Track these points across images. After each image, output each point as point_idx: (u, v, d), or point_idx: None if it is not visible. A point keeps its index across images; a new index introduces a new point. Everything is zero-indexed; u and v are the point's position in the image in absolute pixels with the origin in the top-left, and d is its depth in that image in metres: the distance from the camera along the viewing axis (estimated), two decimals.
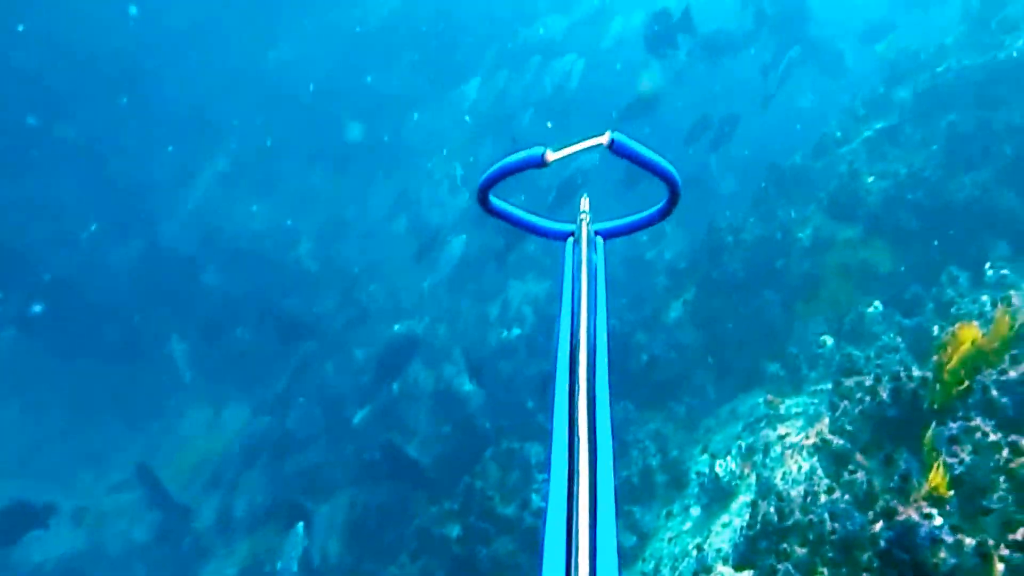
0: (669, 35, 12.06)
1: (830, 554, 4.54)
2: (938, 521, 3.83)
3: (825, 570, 4.63)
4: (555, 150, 1.96)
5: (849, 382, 5.65)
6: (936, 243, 7.29)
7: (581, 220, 2.20)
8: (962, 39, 10.29)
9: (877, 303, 6.89)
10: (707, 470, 6.74)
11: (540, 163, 1.96)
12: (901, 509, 4.17)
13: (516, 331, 12.51)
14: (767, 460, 6.36)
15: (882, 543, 4.16)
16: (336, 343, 13.35)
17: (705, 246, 8.75)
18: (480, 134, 16.54)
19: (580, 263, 1.91)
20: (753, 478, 6.33)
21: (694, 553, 5.87)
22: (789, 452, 6.25)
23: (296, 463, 11.00)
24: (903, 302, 6.86)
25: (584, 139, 1.96)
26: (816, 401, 6.62)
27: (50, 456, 12.03)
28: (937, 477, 3.99)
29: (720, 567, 5.48)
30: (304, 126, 16.79)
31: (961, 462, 4.00)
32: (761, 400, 7.23)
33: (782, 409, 6.93)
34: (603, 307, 1.72)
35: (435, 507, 8.73)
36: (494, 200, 2.23)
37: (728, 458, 6.80)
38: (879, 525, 4.27)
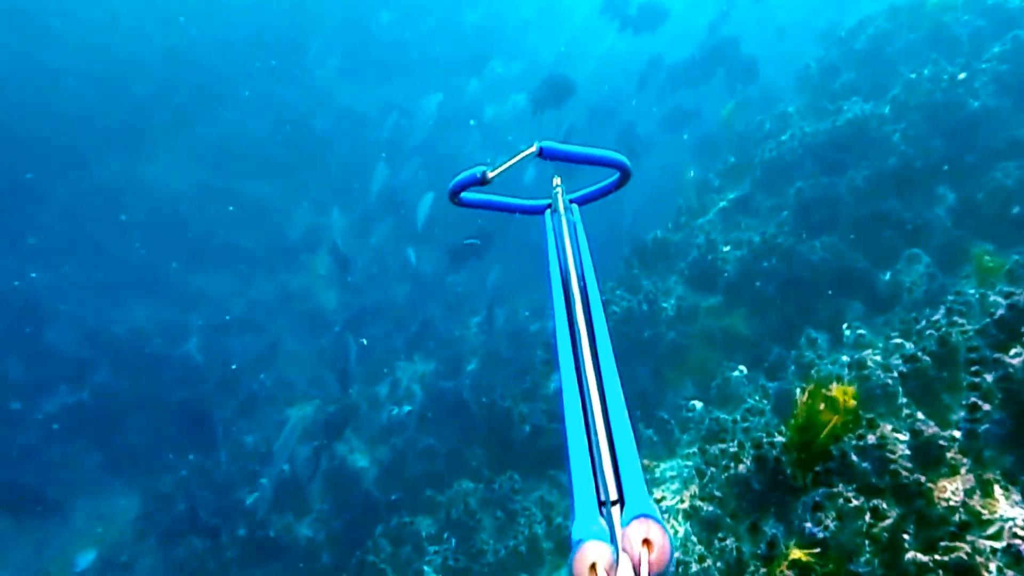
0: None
1: None
2: None
3: None
4: (492, 168, 2.07)
5: (714, 448, 5.54)
6: (793, 307, 7.35)
7: (556, 192, 2.28)
8: (803, 107, 10.55)
9: (741, 367, 6.89)
10: None
11: (482, 180, 2.09)
12: None
13: (407, 408, 12.02)
14: None
15: None
16: (225, 430, 12.65)
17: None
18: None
19: (561, 226, 1.99)
20: None
21: None
22: (665, 516, 6.03)
23: (188, 547, 10.23)
24: (766, 365, 6.85)
25: (516, 153, 2.05)
26: (690, 464, 6.49)
27: None
28: (796, 550, 3.83)
29: None
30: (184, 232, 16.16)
31: (826, 528, 3.85)
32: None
33: (657, 473, 6.74)
34: (588, 257, 1.81)
35: None
36: (465, 196, 2.29)
37: None
38: None
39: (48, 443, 12.40)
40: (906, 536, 3.65)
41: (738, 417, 6.15)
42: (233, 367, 14.12)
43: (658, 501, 6.38)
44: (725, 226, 9.04)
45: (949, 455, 3.76)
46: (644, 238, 9.82)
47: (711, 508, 5.20)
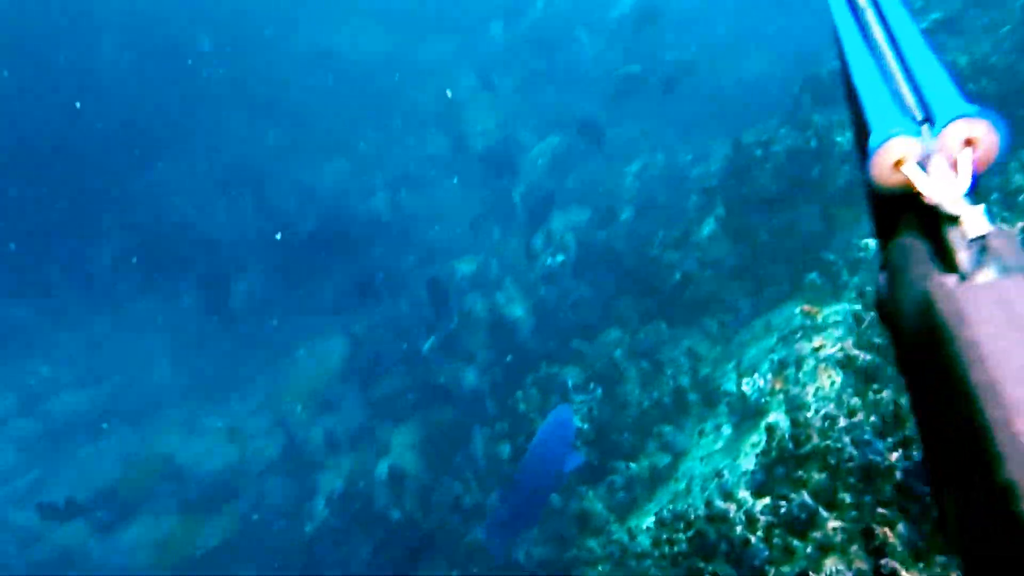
0: None
1: (852, 481, 3.79)
2: None
3: (847, 496, 3.89)
4: None
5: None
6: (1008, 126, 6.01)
7: None
8: None
9: None
10: (735, 388, 5.99)
11: None
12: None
13: (560, 258, 11.83)
14: (799, 375, 5.55)
15: (898, 475, 3.41)
16: (408, 281, 13.44)
17: (733, 163, 7.74)
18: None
19: None
20: (782, 395, 5.56)
21: (714, 480, 5.19)
22: (823, 366, 5.41)
23: (381, 389, 11.30)
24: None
25: None
26: (858, 307, 5.71)
27: (208, 386, 13.00)
28: None
29: (742, 492, 4.79)
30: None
31: None
32: (797, 310, 6.36)
33: (819, 319, 6.05)
34: None
35: (488, 429, 8.56)
36: None
37: (756, 375, 6.01)
38: (895, 455, 3.52)
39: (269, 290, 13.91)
40: None
41: None
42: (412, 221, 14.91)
43: (816, 350, 5.76)
44: None
45: None
46: (818, 71, 8.62)
47: (868, 358, 4.54)
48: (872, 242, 6.06)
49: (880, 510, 3.52)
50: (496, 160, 14.36)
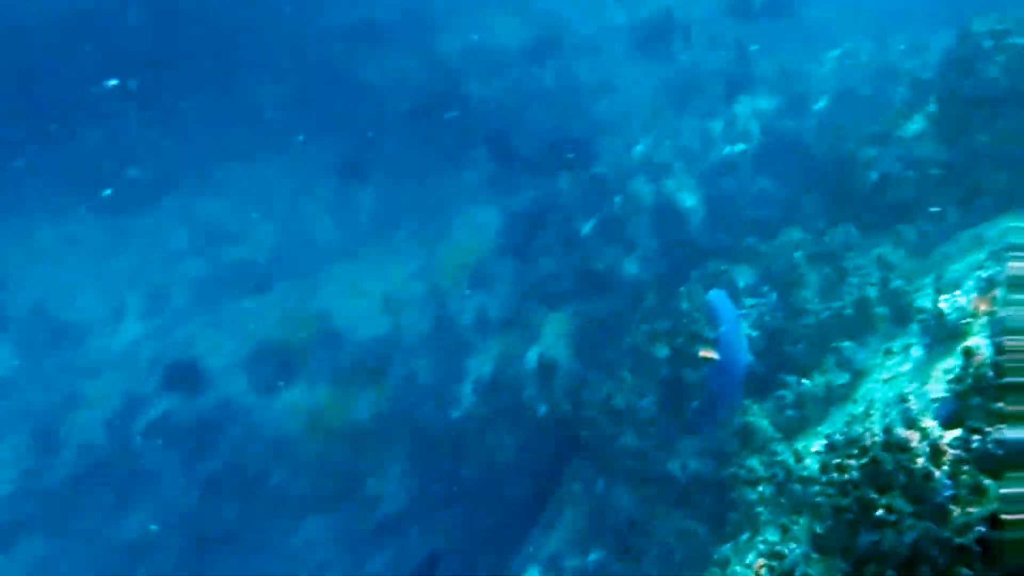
0: None
1: None
2: None
3: None
4: None
5: None
6: None
7: None
8: None
9: None
10: (931, 305, 5.47)
11: None
12: None
13: (740, 147, 11.07)
14: (1012, 297, 4.96)
15: None
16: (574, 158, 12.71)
17: (955, 54, 6.73)
18: None
19: None
20: (987, 318, 5.02)
21: (897, 405, 4.82)
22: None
23: (534, 270, 11.04)
24: None
25: None
26: None
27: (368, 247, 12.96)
28: None
29: (928, 421, 4.43)
30: None
31: None
32: (1018, 225, 5.64)
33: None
34: None
35: (647, 326, 8.27)
36: None
37: (958, 292, 5.45)
38: None
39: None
40: None
41: None
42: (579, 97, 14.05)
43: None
44: None
45: None
46: None
47: None
48: None
49: None
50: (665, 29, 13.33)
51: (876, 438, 4.41)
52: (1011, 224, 5.73)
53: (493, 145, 12.80)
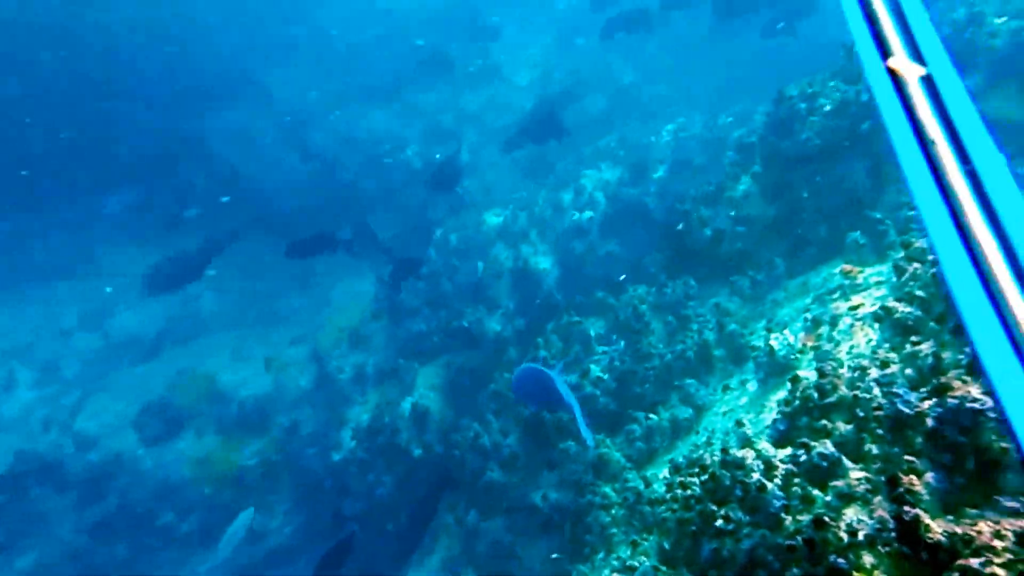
0: None
1: (879, 431, 3.66)
2: None
3: (874, 448, 3.75)
4: None
5: (920, 242, 4.57)
6: None
7: None
8: None
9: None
10: (763, 344, 5.84)
11: None
12: (957, 384, 3.27)
13: (588, 214, 11.67)
14: (834, 333, 5.39)
15: (930, 422, 3.28)
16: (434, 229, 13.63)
17: (774, 117, 7.47)
18: None
19: None
20: (812, 352, 5.41)
21: (735, 428, 5.07)
22: (859, 324, 5.25)
23: (406, 329, 11.56)
24: None
25: None
26: (900, 257, 5.49)
27: (253, 318, 13.80)
28: None
29: (763, 443, 4.67)
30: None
31: None
32: (837, 271, 6.17)
33: (860, 279, 5.86)
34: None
35: (508, 373, 8.47)
36: None
37: (786, 332, 5.86)
38: (928, 403, 3.38)
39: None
40: None
41: None
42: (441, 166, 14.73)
43: (854, 308, 5.58)
44: None
45: None
46: None
47: (908, 310, 4.36)
48: None
49: (909, 458, 3.40)
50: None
51: (714, 457, 4.60)
52: (832, 270, 6.25)
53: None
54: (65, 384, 13.02)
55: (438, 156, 14.75)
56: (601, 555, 5.43)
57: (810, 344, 5.61)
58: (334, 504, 9.42)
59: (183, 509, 10.37)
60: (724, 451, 4.47)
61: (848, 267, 6.11)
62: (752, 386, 5.90)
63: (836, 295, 5.94)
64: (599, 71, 14.95)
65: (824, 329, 5.53)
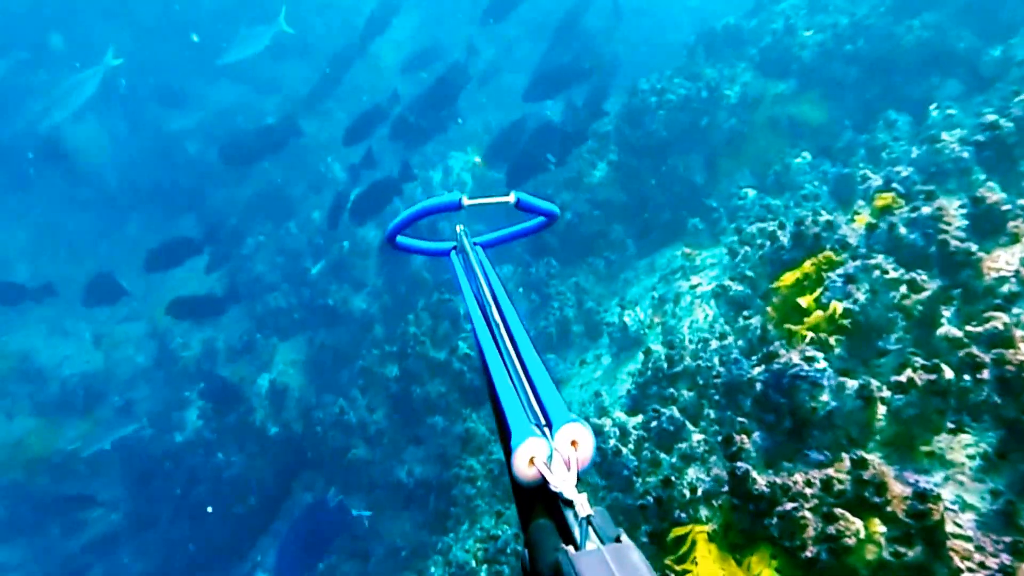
0: None
1: (716, 397, 4.13)
2: (821, 364, 3.37)
3: (711, 412, 4.24)
4: (470, 198, 2.28)
5: (751, 228, 5.12)
6: (877, 90, 6.38)
7: (461, 235, 2.49)
8: None
9: (806, 154, 6.24)
10: (617, 320, 6.30)
11: (457, 207, 2.27)
12: (782, 353, 3.75)
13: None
14: (677, 310, 5.91)
15: (758, 386, 3.75)
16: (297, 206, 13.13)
17: (627, 108, 7.96)
18: None
19: (470, 263, 2.27)
20: (659, 328, 5.91)
21: (594, 399, 5.48)
22: (698, 301, 5.79)
23: (264, 304, 11.01)
24: (834, 151, 6.19)
25: (495, 195, 2.30)
26: (734, 241, 6.09)
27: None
28: (813, 306, 3.52)
29: (617, 412, 5.09)
30: None
31: (855, 302, 3.51)
32: (679, 253, 6.72)
33: (698, 260, 6.44)
34: (500, 286, 2.03)
35: (377, 350, 8.61)
36: (399, 240, 2.50)
37: (637, 309, 6.35)
38: (758, 369, 3.86)
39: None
40: (945, 312, 3.29)
41: (791, 203, 5.67)
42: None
43: (694, 287, 6.13)
44: (811, 10, 7.98)
45: (1012, 224, 3.27)
46: (713, 25, 8.91)
47: (740, 288, 4.90)
48: (751, 191, 6.46)
49: (740, 420, 3.87)
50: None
51: None
52: (675, 252, 6.80)
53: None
54: None
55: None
56: (465, 526, 5.67)
57: (657, 320, 6.12)
58: (173, 488, 8.78)
59: None
60: (585, 419, 4.87)
61: (688, 249, 6.69)
62: (606, 360, 6.35)
63: (678, 275, 6.49)
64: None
65: (668, 306, 6.04)
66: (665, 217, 7.32)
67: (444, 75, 9.79)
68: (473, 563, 4.79)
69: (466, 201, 2.27)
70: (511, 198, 2.27)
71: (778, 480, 3.36)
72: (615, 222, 7.79)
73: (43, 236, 12.73)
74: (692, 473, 4.24)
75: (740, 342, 4.50)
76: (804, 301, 3.99)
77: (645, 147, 7.54)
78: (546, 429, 1.42)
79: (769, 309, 4.24)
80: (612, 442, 4.64)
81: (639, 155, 7.65)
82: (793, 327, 3.83)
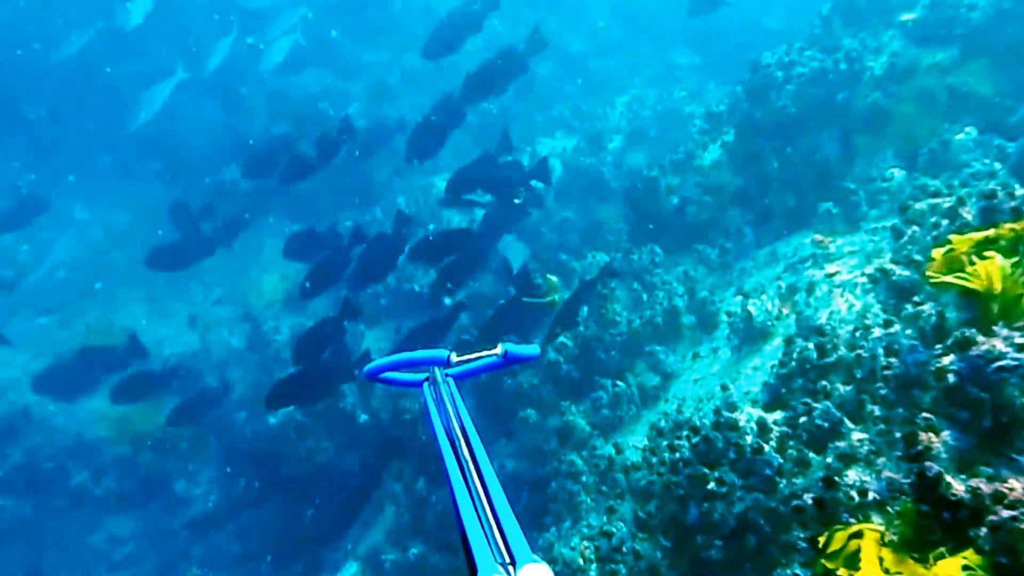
0: None
1: (883, 392, 3.63)
2: None
3: (875, 409, 3.74)
4: (459, 355, 2.46)
5: (921, 205, 4.59)
6: None
7: (449, 356, 2.51)
8: None
9: (969, 129, 5.64)
10: (739, 310, 5.82)
11: (445, 363, 2.45)
12: (981, 339, 3.24)
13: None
14: (811, 300, 5.40)
15: (951, 378, 3.24)
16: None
17: (748, 85, 7.46)
18: None
19: (441, 395, 2.31)
20: (792, 318, 5.42)
21: (719, 392, 5.02)
22: (838, 290, 5.27)
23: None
24: (1006, 127, 5.56)
25: (483, 350, 2.50)
26: (876, 239, 5.53)
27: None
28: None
29: (748, 408, 4.63)
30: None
31: None
32: (808, 240, 6.21)
33: (832, 248, 5.91)
34: (469, 420, 2.11)
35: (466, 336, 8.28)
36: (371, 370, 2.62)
37: (764, 298, 5.86)
38: (949, 358, 3.34)
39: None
40: None
41: (955, 183, 5.08)
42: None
43: (831, 276, 5.61)
44: None
45: None
46: None
47: (907, 273, 4.38)
48: (898, 172, 5.91)
49: (926, 416, 3.37)
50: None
51: (705, 419, 4.53)
52: (803, 240, 6.29)
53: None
54: None
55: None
56: (568, 523, 5.33)
57: (786, 311, 5.62)
58: (266, 471, 8.92)
59: (98, 470, 9.67)
60: (716, 412, 4.41)
61: (819, 237, 6.16)
62: (725, 353, 5.89)
63: (808, 264, 5.99)
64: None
65: (800, 296, 5.54)
66: (789, 202, 6.81)
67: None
68: (580, 561, 4.46)
69: (455, 358, 2.44)
70: (498, 350, 2.48)
71: (984, 487, 2.87)
72: (730, 208, 7.30)
73: (144, 219, 12.95)
74: (853, 475, 3.74)
75: (909, 331, 3.98)
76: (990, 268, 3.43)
77: (769, 126, 7.04)
78: (510, 567, 1.50)
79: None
80: (749, 439, 4.19)
81: (761, 135, 7.16)
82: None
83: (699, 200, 7.62)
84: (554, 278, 6.43)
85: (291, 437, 8.77)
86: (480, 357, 2.49)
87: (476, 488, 1.76)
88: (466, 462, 1.88)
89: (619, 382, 6.27)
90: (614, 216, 9.40)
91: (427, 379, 2.55)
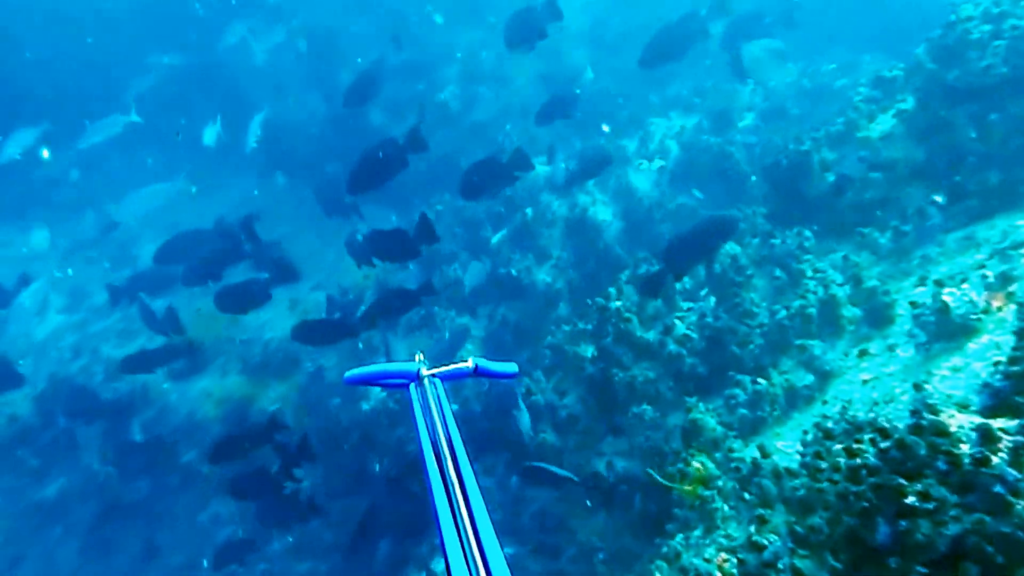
0: None
1: None
2: None
3: None
4: (428, 368, 2.49)
5: None
6: None
7: (419, 367, 2.50)
8: None
9: None
10: (929, 300, 4.76)
11: (415, 378, 2.47)
12: None
13: (658, 163, 10.60)
14: None
15: None
16: None
17: (940, 42, 6.36)
18: None
19: (427, 397, 2.34)
20: (1010, 310, 4.34)
21: (912, 392, 4.00)
22: None
23: (442, 275, 10.78)
24: None
25: (454, 362, 2.55)
26: None
27: None
28: None
29: (955, 413, 3.62)
30: None
31: None
32: (1021, 222, 5.10)
33: None
34: (453, 422, 2.12)
35: (568, 326, 7.79)
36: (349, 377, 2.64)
37: (965, 286, 4.79)
38: None
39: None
40: None
41: None
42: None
43: None
44: None
45: None
46: None
47: None
48: None
49: None
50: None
51: (899, 422, 3.57)
52: (1014, 222, 5.18)
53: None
54: (93, 311, 13.41)
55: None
56: (698, 531, 4.44)
57: (998, 304, 4.54)
58: (359, 458, 8.75)
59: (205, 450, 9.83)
60: (915, 413, 3.45)
61: None
62: (906, 351, 4.85)
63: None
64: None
65: (1019, 286, 4.46)
66: (992, 179, 5.69)
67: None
68: (718, 574, 3.65)
69: (424, 372, 2.42)
70: (469, 363, 2.51)
71: None
72: (908, 186, 6.22)
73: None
74: None
75: None
76: None
77: (966, 90, 5.94)
78: None
79: None
80: (965, 447, 3.22)
81: (954, 101, 6.06)
82: None
83: (863, 178, 6.55)
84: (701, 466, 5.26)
85: (383, 424, 8.55)
86: (453, 368, 2.50)
87: (460, 512, 1.73)
88: (451, 482, 1.84)
89: (760, 379, 5.31)
90: (744, 198, 8.38)
91: (414, 380, 2.52)
